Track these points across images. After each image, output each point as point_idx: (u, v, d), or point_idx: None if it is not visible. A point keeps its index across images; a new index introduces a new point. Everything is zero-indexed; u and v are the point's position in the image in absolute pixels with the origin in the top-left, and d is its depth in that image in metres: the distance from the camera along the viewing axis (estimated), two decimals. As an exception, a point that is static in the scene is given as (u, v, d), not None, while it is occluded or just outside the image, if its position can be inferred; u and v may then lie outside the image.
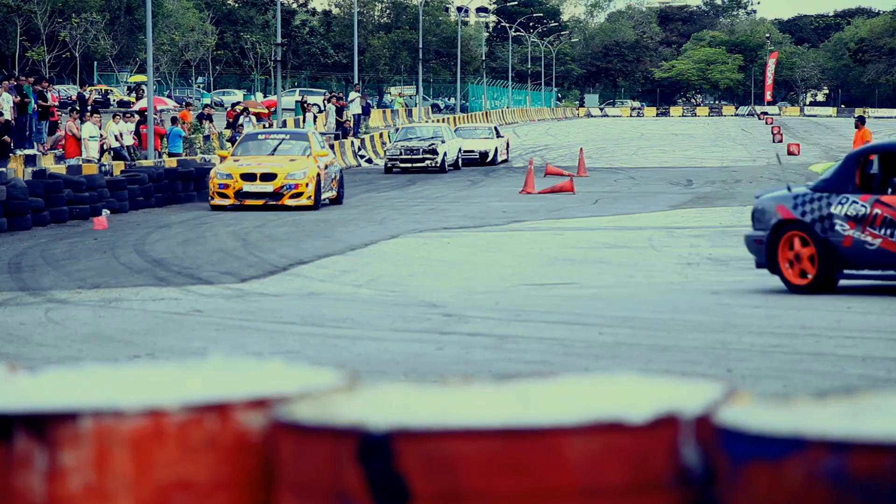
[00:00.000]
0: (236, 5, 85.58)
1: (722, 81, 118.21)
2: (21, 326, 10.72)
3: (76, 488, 1.97)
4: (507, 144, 40.02)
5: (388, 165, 34.98)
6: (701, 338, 9.24)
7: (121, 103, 42.54)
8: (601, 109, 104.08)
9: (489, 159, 37.76)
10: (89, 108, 31.66)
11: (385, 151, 35.71)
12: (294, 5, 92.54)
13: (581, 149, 37.59)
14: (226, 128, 36.72)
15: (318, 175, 23.75)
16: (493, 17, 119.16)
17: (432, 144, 34.68)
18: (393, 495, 1.86)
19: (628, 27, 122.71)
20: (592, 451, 1.85)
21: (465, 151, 37.10)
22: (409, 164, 34.55)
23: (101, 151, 27.80)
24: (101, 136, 28.02)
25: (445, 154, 34.71)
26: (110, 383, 2.18)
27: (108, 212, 22.74)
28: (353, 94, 45.61)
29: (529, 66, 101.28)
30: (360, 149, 39.66)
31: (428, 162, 34.37)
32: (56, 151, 27.82)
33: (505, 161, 38.80)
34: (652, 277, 13.60)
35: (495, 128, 40.75)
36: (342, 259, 16.08)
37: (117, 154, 28.49)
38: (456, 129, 39.93)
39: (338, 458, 1.89)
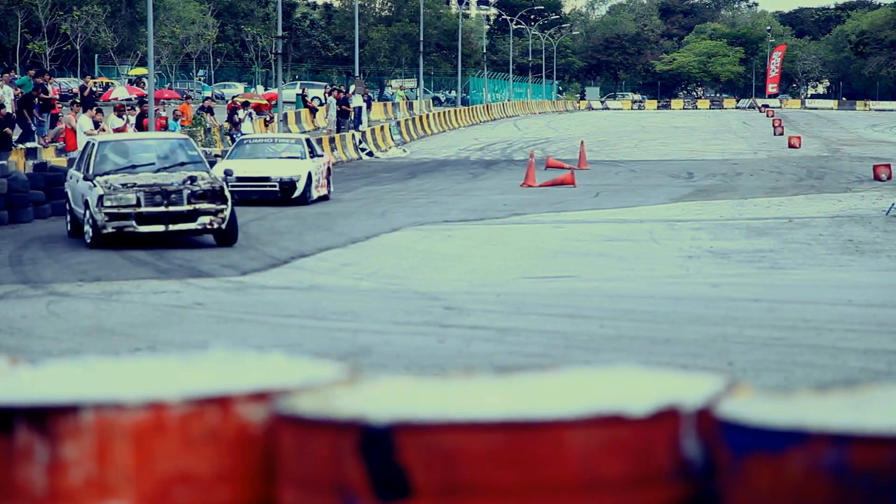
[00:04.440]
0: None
1: (723, 74, 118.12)
2: (22, 319, 10.72)
3: (77, 481, 1.97)
4: (329, 169, 24.56)
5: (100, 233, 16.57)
6: (702, 330, 9.24)
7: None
8: (602, 102, 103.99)
9: (297, 194, 22.86)
10: (80, 100, 31.58)
11: (98, 206, 16.53)
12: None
13: (582, 142, 37.56)
14: (226, 121, 36.63)
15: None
16: (493, 10, 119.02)
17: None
18: (394, 488, 1.86)
19: (629, 20, 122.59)
20: (593, 444, 1.85)
21: (246, 180, 22.70)
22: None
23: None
24: (102, 129, 27.99)
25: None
26: (111, 376, 2.18)
27: None
28: (352, 87, 45.58)
29: (530, 59, 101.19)
30: (361, 142, 39.64)
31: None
32: (57, 144, 27.80)
33: (325, 198, 23.73)
34: (653, 270, 13.59)
35: (307, 140, 25.18)
36: (343, 252, 16.08)
37: None
38: (239, 142, 25.27)
39: (339, 451, 1.89)
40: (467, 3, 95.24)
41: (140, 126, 29.54)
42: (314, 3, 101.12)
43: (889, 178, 27.50)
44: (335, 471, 1.90)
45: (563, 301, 11.12)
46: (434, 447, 1.85)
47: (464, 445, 1.84)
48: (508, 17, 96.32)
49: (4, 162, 22.00)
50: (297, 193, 22.97)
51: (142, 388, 2.02)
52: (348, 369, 2.17)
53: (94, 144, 17.85)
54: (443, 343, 9.00)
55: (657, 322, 9.67)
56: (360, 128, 41.52)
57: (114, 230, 16.28)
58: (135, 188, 16.44)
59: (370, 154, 39.63)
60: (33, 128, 28.00)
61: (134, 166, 17.21)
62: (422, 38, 59.80)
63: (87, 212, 16.54)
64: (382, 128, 44.02)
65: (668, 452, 1.88)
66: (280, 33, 39.94)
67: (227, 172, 22.14)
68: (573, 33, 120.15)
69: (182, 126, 32.03)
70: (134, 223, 16.28)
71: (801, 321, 9.56)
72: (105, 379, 2.15)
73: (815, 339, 8.78)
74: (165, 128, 30.93)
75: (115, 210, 16.28)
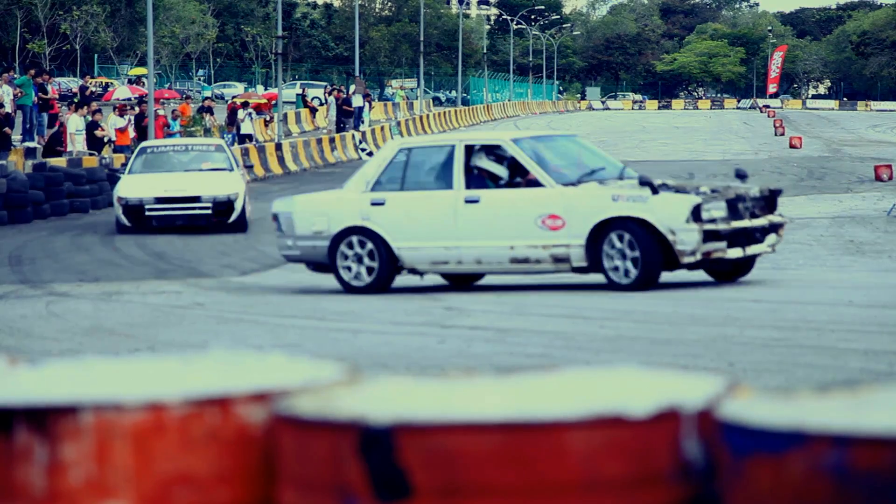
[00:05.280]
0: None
1: (724, 74, 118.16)
2: (22, 319, 10.72)
3: (77, 482, 1.96)
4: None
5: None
6: (702, 331, 9.23)
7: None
8: (603, 102, 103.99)
9: (235, 216, 18.57)
10: (76, 100, 31.57)
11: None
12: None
13: (582, 142, 37.48)
14: (226, 120, 36.54)
15: None
16: (494, 10, 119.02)
17: None
18: (394, 489, 1.86)
19: (630, 20, 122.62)
20: (594, 445, 1.84)
21: (168, 201, 18.38)
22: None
23: (101, 144, 27.79)
24: (101, 128, 28.00)
25: None
26: (111, 377, 2.17)
27: None
28: (352, 87, 45.57)
29: (531, 59, 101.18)
30: (361, 142, 39.65)
31: None
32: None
33: (241, 224, 18.68)
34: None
35: (223, 146, 20.61)
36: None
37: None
38: (140, 151, 20.00)
39: (339, 451, 1.89)
40: (468, 3, 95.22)
41: (139, 126, 29.55)
42: (314, 2, 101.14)
43: (890, 178, 27.49)
44: (335, 472, 1.89)
45: (563, 302, 11.11)
46: (434, 448, 1.84)
47: (464, 446, 1.84)
48: (509, 17, 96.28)
49: (3, 162, 22.02)
50: (234, 216, 18.41)
51: (141, 389, 2.02)
52: (348, 370, 2.17)
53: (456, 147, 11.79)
54: (443, 343, 8.99)
55: (657, 322, 9.66)
56: (361, 128, 41.50)
57: (701, 258, 11.43)
58: (717, 194, 11.74)
59: (370, 154, 39.57)
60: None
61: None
62: (422, 38, 59.77)
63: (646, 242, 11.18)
64: (383, 128, 44.03)
65: (668, 453, 1.88)
66: (280, 33, 39.92)
67: (126, 200, 18.12)
68: (574, 33, 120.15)
69: (181, 126, 32.05)
70: (724, 246, 11.48)
71: (802, 322, 9.55)
72: (104, 379, 2.15)
73: (815, 339, 8.77)
74: (168, 126, 30.94)
75: (711, 227, 11.43)
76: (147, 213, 18.37)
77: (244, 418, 2.01)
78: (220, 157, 19.63)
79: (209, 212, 18.41)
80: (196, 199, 18.43)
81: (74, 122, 26.88)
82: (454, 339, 9.14)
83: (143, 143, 21.21)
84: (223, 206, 18.46)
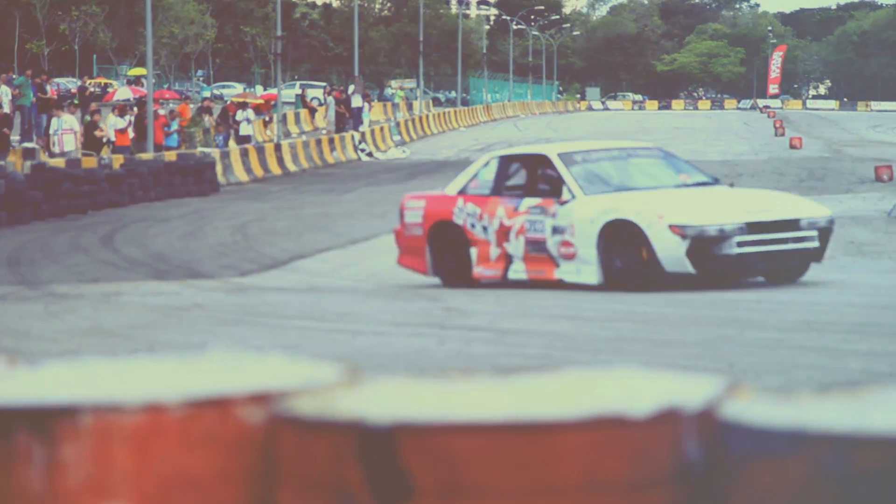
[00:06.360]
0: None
1: (724, 75, 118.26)
2: (20, 320, 10.71)
3: (76, 483, 1.96)
4: None
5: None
6: (703, 332, 9.23)
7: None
8: (603, 103, 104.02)
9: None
10: (75, 101, 31.55)
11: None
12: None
13: (582, 142, 37.48)
14: (217, 118, 36.37)
15: None
16: (493, 11, 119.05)
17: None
18: (394, 490, 1.85)
19: (630, 20, 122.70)
20: (594, 446, 1.84)
21: (762, 229, 12.06)
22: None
23: (100, 145, 27.80)
24: (100, 128, 28.01)
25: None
26: (110, 378, 2.17)
27: None
28: (351, 87, 45.55)
29: (531, 60, 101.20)
30: (360, 142, 39.65)
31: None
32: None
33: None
34: (653, 271, 13.55)
35: (668, 151, 14.10)
36: (343, 253, 16.08)
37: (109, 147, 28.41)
38: (568, 160, 12.78)
39: (339, 453, 1.88)
40: (467, 4, 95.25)
41: (139, 127, 29.55)
42: (313, 2, 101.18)
43: (891, 178, 27.49)
44: (335, 473, 1.89)
45: (563, 302, 11.11)
46: (434, 449, 1.84)
47: (464, 447, 1.84)
48: (508, 18, 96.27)
49: (2, 162, 22.02)
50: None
51: (140, 390, 2.01)
52: (348, 371, 2.16)
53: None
54: (443, 344, 8.99)
55: (658, 323, 9.66)
56: (360, 128, 41.50)
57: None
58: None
59: (370, 155, 39.63)
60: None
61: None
62: (421, 39, 59.75)
63: None
64: (382, 128, 44.04)
65: (668, 455, 1.88)
66: (279, 33, 39.91)
67: (699, 230, 11.71)
68: (574, 34, 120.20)
69: (180, 126, 32.07)
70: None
71: (803, 323, 9.55)
72: (103, 380, 2.14)
73: (816, 340, 8.77)
74: (168, 126, 30.96)
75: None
76: (733, 251, 11.90)
77: (243, 419, 2.00)
78: (679, 165, 13.53)
79: (815, 244, 12.40)
80: (793, 223, 12.32)
81: (55, 123, 26.84)
82: (454, 340, 9.13)
83: (562, 150, 13.36)
84: (825, 233, 12.56)
